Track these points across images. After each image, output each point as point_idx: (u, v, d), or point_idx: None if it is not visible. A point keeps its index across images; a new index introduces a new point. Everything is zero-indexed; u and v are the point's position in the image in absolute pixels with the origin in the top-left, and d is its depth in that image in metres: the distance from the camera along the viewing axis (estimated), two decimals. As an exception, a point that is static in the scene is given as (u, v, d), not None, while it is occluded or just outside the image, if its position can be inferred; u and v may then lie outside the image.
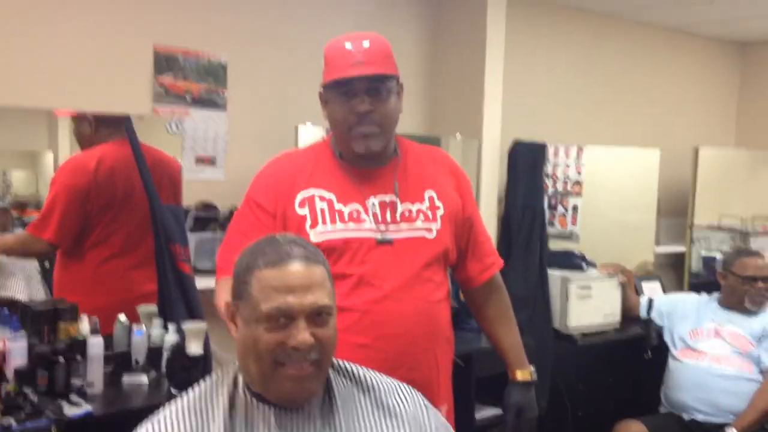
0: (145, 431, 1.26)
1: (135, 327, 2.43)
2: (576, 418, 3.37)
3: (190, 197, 2.87)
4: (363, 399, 1.36)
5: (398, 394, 1.38)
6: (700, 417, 3.10)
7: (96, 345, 2.29)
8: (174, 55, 2.88)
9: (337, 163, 1.75)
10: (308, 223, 1.68)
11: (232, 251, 1.66)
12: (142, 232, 2.70)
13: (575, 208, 4.31)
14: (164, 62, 2.86)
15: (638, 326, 3.55)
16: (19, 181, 2.79)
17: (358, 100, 1.66)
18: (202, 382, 1.33)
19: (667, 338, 3.43)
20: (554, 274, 3.40)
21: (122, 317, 2.52)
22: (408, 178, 1.77)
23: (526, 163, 3.49)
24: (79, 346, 2.26)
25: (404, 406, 1.37)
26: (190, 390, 1.32)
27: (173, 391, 2.31)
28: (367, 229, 1.69)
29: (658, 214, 4.29)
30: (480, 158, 3.42)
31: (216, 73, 2.99)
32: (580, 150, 4.11)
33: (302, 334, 1.22)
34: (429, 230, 1.73)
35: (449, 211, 1.78)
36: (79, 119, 2.70)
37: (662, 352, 3.44)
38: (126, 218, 2.70)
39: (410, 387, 1.42)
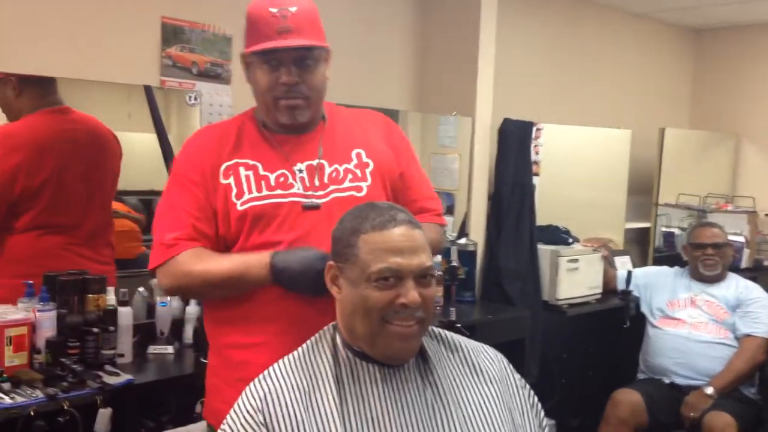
0: (261, 387, 1.31)
1: (159, 299, 2.44)
2: (561, 385, 3.54)
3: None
4: (452, 358, 1.44)
5: (484, 355, 1.47)
6: (679, 380, 3.33)
7: (126, 316, 2.29)
8: (181, 27, 2.86)
9: (261, 134, 1.68)
10: (234, 192, 1.61)
11: (176, 228, 1.59)
12: (83, 209, 2.50)
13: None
14: (171, 34, 2.84)
15: (616, 298, 3.76)
16: None
17: (284, 70, 1.59)
18: (302, 346, 1.39)
19: (644, 309, 3.65)
20: (544, 248, 3.55)
21: (141, 289, 2.52)
22: (335, 141, 1.71)
23: (515, 140, 3.61)
24: (109, 316, 2.25)
25: (490, 365, 1.45)
26: (293, 353, 1.38)
27: (203, 360, 2.34)
28: (295, 194, 1.62)
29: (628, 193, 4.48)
30: (473, 136, 3.51)
31: (221, 47, 2.98)
32: (537, 131, 4.21)
33: (412, 293, 1.30)
34: (359, 189, 1.65)
35: (379, 166, 1.69)
36: (2, 82, 2.43)
37: (638, 321, 3.66)
38: (62, 196, 2.44)
39: (493, 349, 1.51)
